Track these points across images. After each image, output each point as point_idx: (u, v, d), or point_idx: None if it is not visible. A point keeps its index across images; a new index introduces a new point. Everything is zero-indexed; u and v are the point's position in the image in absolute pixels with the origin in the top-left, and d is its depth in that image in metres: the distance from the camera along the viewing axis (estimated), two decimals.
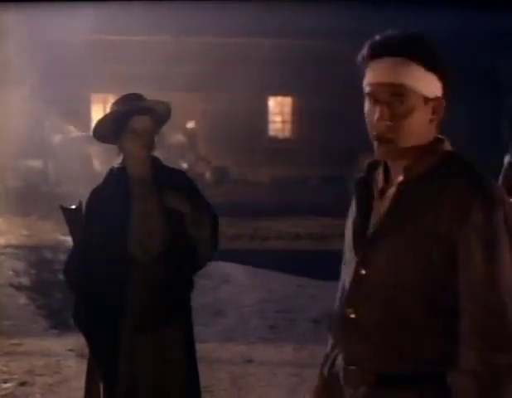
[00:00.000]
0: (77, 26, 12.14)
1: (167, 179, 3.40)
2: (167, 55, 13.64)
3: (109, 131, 3.37)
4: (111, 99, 15.37)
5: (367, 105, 1.84)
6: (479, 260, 1.74)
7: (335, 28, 13.36)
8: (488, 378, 1.71)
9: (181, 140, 15.19)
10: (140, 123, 3.31)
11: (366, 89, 1.84)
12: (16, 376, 5.17)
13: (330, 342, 2.10)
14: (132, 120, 3.30)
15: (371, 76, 1.82)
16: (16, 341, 5.97)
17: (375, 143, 1.84)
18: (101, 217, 3.36)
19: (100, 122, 3.39)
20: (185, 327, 3.46)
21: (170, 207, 3.31)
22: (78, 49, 12.53)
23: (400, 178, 1.84)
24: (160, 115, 3.44)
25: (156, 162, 3.45)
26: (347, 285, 1.91)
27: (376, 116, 1.80)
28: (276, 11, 11.97)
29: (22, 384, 5.06)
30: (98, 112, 15.83)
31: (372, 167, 1.96)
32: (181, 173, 3.59)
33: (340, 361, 1.96)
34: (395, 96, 1.79)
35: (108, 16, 11.29)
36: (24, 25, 11.71)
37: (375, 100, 1.81)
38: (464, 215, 1.73)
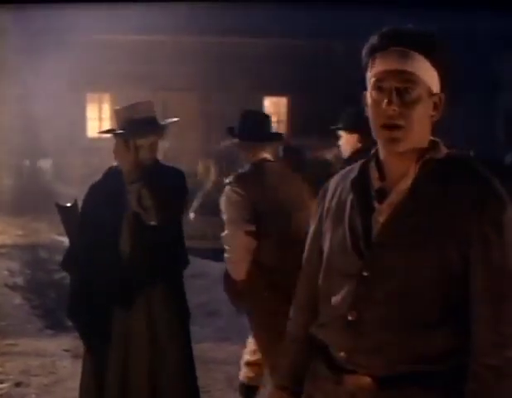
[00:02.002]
0: (74, 25, 12.13)
1: (160, 177, 3.41)
2: (164, 55, 13.63)
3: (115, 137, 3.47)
4: (107, 99, 15.22)
5: (373, 96, 1.84)
6: (499, 258, 1.77)
7: (332, 29, 13.37)
8: (507, 371, 1.75)
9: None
10: (145, 142, 3.38)
11: (373, 78, 1.84)
12: (11, 377, 5.16)
13: (291, 350, 2.10)
14: (138, 140, 3.36)
15: (380, 64, 1.82)
16: (11, 341, 5.96)
17: (382, 131, 1.83)
18: (95, 214, 3.40)
19: (108, 132, 3.53)
20: (176, 301, 3.48)
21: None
22: (74, 48, 12.51)
23: (412, 176, 1.84)
24: (165, 131, 3.53)
25: (154, 164, 3.46)
26: (342, 288, 1.88)
27: (385, 102, 1.80)
28: (272, 11, 11.97)
29: (18, 384, 5.04)
30: (93, 112, 15.82)
31: (364, 168, 1.95)
32: (175, 172, 3.61)
33: (323, 370, 1.93)
34: (404, 83, 1.79)
35: (106, 15, 11.27)
36: (21, 24, 11.70)
37: (383, 89, 1.81)
38: (482, 215, 1.76)
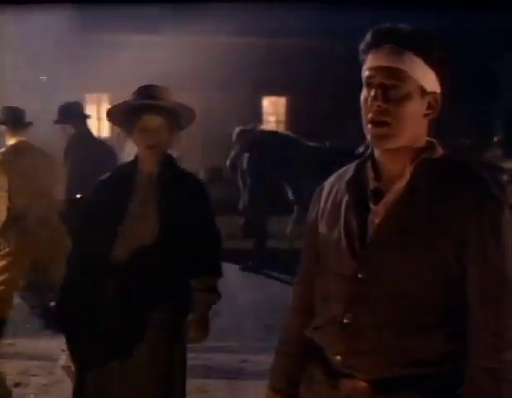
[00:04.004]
0: (73, 25, 12.11)
1: (173, 183, 3.23)
2: (163, 55, 13.61)
3: (122, 122, 3.23)
4: (105, 100, 15.20)
5: (364, 92, 1.83)
6: (496, 259, 1.75)
7: (331, 28, 13.36)
8: (503, 374, 1.72)
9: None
10: (149, 122, 3.13)
11: (364, 75, 1.83)
12: (10, 377, 5.14)
13: (283, 352, 2.09)
14: (141, 118, 3.13)
15: (371, 61, 1.81)
16: (9, 341, 5.94)
17: (369, 128, 1.81)
18: (96, 211, 3.23)
19: (114, 109, 3.25)
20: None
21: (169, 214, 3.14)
22: (74, 48, 12.50)
23: (407, 176, 1.82)
24: (177, 117, 3.24)
25: (167, 162, 3.27)
26: (337, 290, 1.87)
27: (370, 98, 1.79)
28: (271, 11, 11.95)
29: (16, 385, 5.03)
30: (92, 113, 15.79)
31: (360, 168, 1.94)
32: (190, 178, 3.38)
33: (318, 373, 1.92)
34: (391, 80, 1.78)
35: (105, 15, 11.26)
36: (19, 24, 11.68)
37: (372, 85, 1.80)
38: (479, 216, 1.74)
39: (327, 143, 10.05)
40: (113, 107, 3.25)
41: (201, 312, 3.33)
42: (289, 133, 9.86)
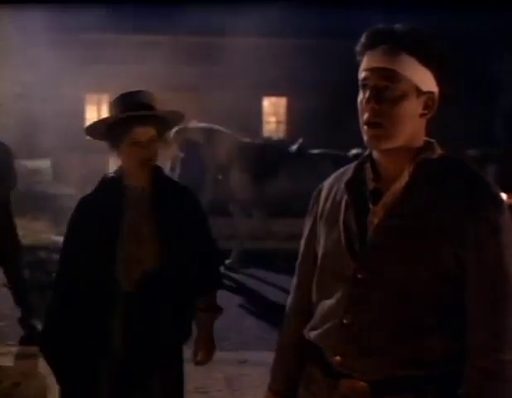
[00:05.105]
0: (73, 24, 12.11)
1: (168, 197, 2.96)
2: (163, 55, 13.62)
3: (105, 136, 2.89)
4: (106, 100, 15.16)
5: (359, 94, 1.84)
6: (494, 258, 1.75)
7: (332, 28, 13.36)
8: (500, 375, 1.72)
9: None
10: (142, 135, 2.80)
11: (360, 76, 1.84)
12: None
13: (282, 355, 2.08)
14: (132, 131, 2.80)
15: (366, 62, 1.82)
16: (10, 341, 5.95)
17: (365, 129, 1.82)
18: (86, 233, 2.88)
19: (97, 124, 2.91)
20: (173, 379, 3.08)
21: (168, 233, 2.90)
22: (73, 48, 12.50)
23: (406, 176, 1.82)
24: (167, 124, 2.96)
25: (157, 175, 2.97)
26: (336, 291, 1.87)
27: (364, 100, 1.80)
28: (272, 11, 11.95)
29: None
30: (92, 113, 15.80)
31: (359, 168, 1.94)
32: (183, 190, 3.07)
33: (317, 374, 1.91)
34: (385, 81, 1.78)
35: (106, 15, 11.27)
36: (19, 23, 11.68)
37: (366, 87, 1.81)
38: (478, 216, 1.74)
39: (264, 140, 9.88)
40: (97, 122, 2.93)
41: (207, 331, 3.23)
42: (222, 128, 9.59)
